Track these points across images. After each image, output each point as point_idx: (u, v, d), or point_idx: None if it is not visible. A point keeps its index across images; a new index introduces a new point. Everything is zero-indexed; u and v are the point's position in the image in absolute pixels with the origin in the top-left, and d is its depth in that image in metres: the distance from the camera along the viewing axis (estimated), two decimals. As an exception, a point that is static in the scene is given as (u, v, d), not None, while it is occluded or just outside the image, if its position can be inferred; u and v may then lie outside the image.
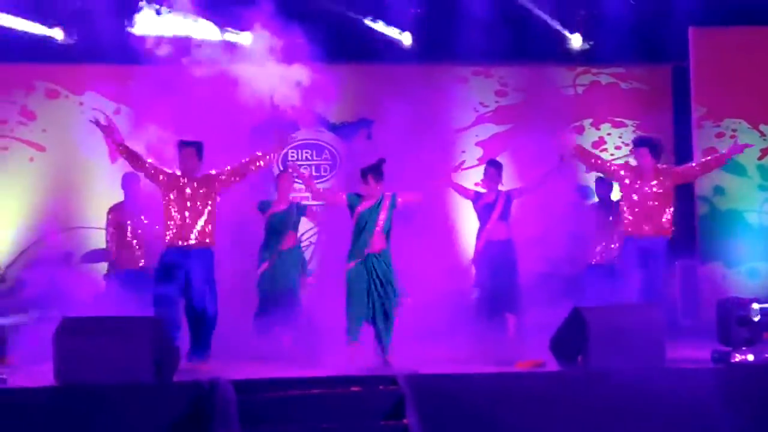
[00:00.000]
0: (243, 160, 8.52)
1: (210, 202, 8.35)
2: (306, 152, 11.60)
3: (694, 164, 8.92)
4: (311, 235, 11.51)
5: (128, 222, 9.86)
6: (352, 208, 8.42)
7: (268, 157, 8.61)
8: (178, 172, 8.39)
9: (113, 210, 9.96)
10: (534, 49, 11.26)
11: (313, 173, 11.44)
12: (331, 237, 11.43)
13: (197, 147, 8.42)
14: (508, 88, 11.88)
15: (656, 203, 8.41)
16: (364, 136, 11.68)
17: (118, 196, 10.01)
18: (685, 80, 11.24)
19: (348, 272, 8.30)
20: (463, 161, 11.76)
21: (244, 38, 10.20)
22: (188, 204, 8.29)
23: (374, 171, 8.43)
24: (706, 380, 7.19)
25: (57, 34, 10.90)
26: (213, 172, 8.47)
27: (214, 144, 8.99)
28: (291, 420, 6.76)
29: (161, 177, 8.35)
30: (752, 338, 7.64)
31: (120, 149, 8.35)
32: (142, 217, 9.84)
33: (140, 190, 9.79)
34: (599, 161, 8.82)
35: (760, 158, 10.81)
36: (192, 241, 8.25)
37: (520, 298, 9.46)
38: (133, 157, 8.34)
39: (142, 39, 9.36)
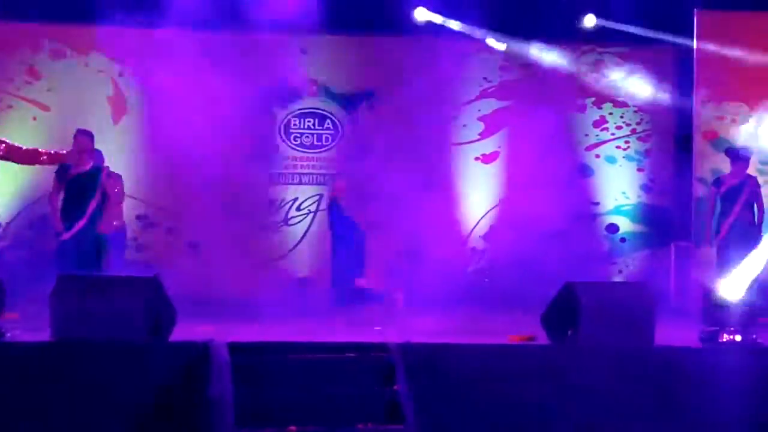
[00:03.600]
0: (32, 150, 8.22)
1: None
2: (308, 121, 11.64)
3: None
4: (310, 204, 11.58)
5: None
6: None
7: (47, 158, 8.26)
8: None
9: None
10: (540, 27, 11.30)
11: (315, 142, 11.55)
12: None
13: None
14: (513, 63, 11.90)
15: None
16: (366, 107, 11.72)
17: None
18: (689, 63, 11.27)
19: None
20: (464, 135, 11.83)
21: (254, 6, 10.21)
22: None
23: None
24: (693, 359, 7.26)
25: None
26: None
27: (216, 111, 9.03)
28: (284, 383, 6.82)
29: None
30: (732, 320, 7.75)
31: None
32: None
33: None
34: None
35: (757, 142, 10.83)
36: None
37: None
38: None
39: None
